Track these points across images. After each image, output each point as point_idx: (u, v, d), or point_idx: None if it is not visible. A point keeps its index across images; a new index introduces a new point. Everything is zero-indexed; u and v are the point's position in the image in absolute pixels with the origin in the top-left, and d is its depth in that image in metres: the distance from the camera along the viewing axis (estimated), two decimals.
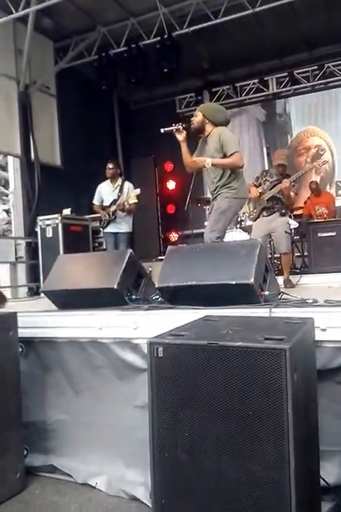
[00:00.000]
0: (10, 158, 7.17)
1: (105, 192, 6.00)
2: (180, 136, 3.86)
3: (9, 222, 12.21)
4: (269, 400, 1.43)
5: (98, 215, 6.13)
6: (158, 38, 6.80)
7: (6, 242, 6.91)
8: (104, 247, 6.54)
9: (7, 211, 15.51)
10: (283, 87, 8.80)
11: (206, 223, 5.02)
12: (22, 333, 2.53)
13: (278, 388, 1.42)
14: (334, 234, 5.75)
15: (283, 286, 4.34)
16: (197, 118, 3.91)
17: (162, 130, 3.86)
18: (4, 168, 14.49)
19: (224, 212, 3.82)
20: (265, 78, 8.82)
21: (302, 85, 8.67)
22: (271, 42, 7.75)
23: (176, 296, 2.70)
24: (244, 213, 6.05)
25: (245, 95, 9.07)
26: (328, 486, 1.95)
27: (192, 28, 6.65)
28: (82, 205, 6.74)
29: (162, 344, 1.64)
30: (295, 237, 6.41)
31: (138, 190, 5.74)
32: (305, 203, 7.17)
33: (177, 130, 3.84)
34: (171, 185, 9.34)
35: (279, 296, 2.78)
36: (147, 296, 3.05)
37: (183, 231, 8.54)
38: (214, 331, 1.77)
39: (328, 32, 7.35)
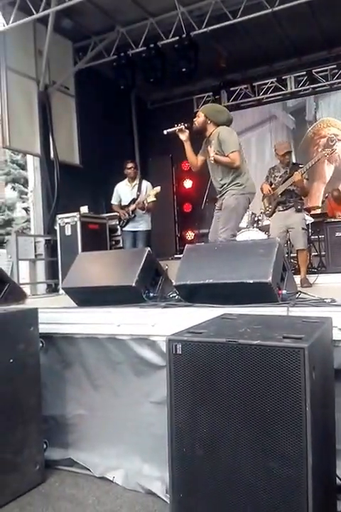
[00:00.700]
0: (29, 157, 7.30)
1: (123, 191, 6.05)
2: (183, 136, 3.94)
3: (28, 220, 12.41)
4: (287, 398, 1.44)
5: (116, 213, 6.19)
6: (177, 38, 6.80)
7: (25, 240, 7.02)
8: (121, 245, 6.61)
9: (26, 209, 15.78)
10: (301, 86, 8.70)
11: None
12: (42, 328, 2.58)
13: (296, 386, 1.43)
14: None
15: (299, 285, 4.32)
16: (199, 119, 3.99)
17: (165, 131, 3.96)
18: (24, 167, 14.76)
19: (234, 209, 3.87)
20: (283, 77, 8.74)
21: (320, 84, 8.57)
22: (289, 41, 7.70)
23: (193, 294, 2.72)
24: (260, 212, 6.03)
25: (263, 94, 9.02)
26: None
27: (210, 28, 6.63)
28: (100, 204, 6.82)
29: (180, 341, 1.66)
30: (312, 237, 6.36)
31: (158, 188, 5.80)
32: (322, 202, 7.08)
33: (180, 130, 3.92)
34: (188, 184, 9.35)
35: (297, 295, 2.77)
36: (164, 294, 3.07)
37: (199, 230, 8.53)
38: (233, 329, 1.78)
39: None
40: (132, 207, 5.88)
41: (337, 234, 5.76)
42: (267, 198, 5.04)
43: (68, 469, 2.63)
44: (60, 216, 6.34)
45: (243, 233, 6.13)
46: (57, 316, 2.85)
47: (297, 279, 3.98)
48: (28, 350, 2.44)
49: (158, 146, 8.91)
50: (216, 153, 3.87)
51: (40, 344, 2.61)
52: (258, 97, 9.06)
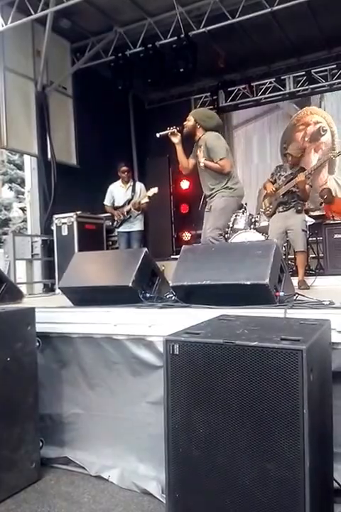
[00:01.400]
0: (26, 157, 7.28)
1: (117, 193, 6.15)
2: (176, 139, 4.03)
3: (25, 220, 12.37)
4: (285, 400, 1.44)
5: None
6: (175, 38, 6.79)
7: (22, 240, 7.00)
8: (117, 245, 6.62)
9: (23, 209, 15.73)
10: (300, 86, 8.71)
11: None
12: (39, 328, 2.58)
13: (294, 388, 1.43)
14: None
15: (297, 287, 4.32)
16: (189, 123, 4.09)
17: (157, 134, 4.05)
18: (21, 167, 14.72)
19: (223, 209, 3.97)
20: (282, 77, 8.74)
21: (319, 84, 8.57)
22: (288, 41, 7.68)
23: (190, 295, 2.71)
24: (260, 211, 6.04)
25: (261, 95, 9.02)
26: None
27: (208, 28, 6.62)
28: (97, 204, 6.79)
29: (178, 342, 1.65)
30: (310, 239, 6.36)
31: (155, 189, 5.88)
32: (320, 203, 7.09)
33: (172, 133, 4.01)
34: (185, 184, 9.34)
35: (294, 297, 2.77)
36: (161, 294, 3.07)
37: (196, 231, 8.51)
38: (230, 330, 1.78)
39: None
40: (127, 207, 5.94)
41: (336, 236, 5.75)
42: (268, 197, 5.04)
43: (64, 468, 2.63)
44: (56, 216, 6.33)
45: (240, 234, 6.13)
46: (54, 315, 2.85)
47: (295, 281, 3.99)
48: (25, 349, 2.44)
49: (156, 146, 8.86)
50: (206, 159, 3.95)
51: (37, 343, 2.61)
52: (256, 98, 9.05)
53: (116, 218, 6.07)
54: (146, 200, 5.91)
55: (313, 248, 6.54)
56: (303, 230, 4.85)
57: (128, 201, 6.03)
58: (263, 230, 5.72)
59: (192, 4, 6.64)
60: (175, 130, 3.98)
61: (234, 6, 6.40)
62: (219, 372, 1.57)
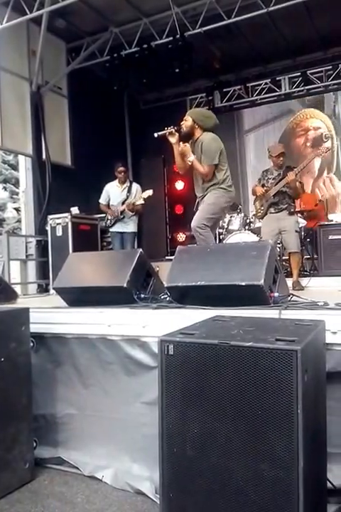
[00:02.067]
0: (21, 158, 7.25)
1: (114, 193, 6.13)
2: (173, 139, 4.05)
3: (19, 221, 12.33)
4: (279, 400, 1.44)
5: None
6: (170, 38, 6.79)
7: (16, 240, 6.96)
8: (111, 246, 6.62)
9: (17, 209, 15.67)
10: (295, 88, 8.73)
11: None
12: (33, 328, 2.58)
13: (288, 389, 1.43)
14: None
15: (292, 288, 4.33)
16: (187, 122, 4.11)
17: (155, 134, 4.07)
18: (15, 168, 14.65)
19: (212, 204, 4.04)
20: (277, 78, 8.77)
21: (315, 85, 8.59)
22: (284, 41, 7.68)
23: (185, 296, 2.71)
24: (252, 214, 6.06)
25: (257, 95, 9.04)
26: (334, 488, 1.95)
27: (204, 28, 6.62)
28: (92, 205, 6.77)
29: (173, 342, 1.65)
30: (305, 240, 6.38)
31: (150, 192, 5.88)
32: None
33: (170, 133, 4.03)
34: (180, 185, 9.35)
35: (289, 298, 2.78)
36: (155, 295, 3.07)
37: (191, 232, 8.52)
38: (225, 331, 1.78)
39: None
40: (122, 207, 5.94)
41: (331, 237, 5.78)
42: (259, 199, 5.06)
43: (57, 468, 2.63)
44: (51, 217, 6.30)
45: (235, 235, 6.15)
46: (49, 315, 2.85)
47: (289, 282, 4.00)
48: (19, 349, 2.44)
49: (151, 147, 8.86)
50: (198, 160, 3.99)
51: (31, 344, 2.61)
52: (251, 98, 9.08)
53: (109, 217, 6.06)
54: (141, 201, 5.90)
55: (308, 250, 6.56)
56: (296, 231, 4.89)
57: (124, 201, 6.02)
58: (258, 231, 5.74)
59: (188, 4, 6.64)
60: (173, 130, 4.01)
61: (230, 6, 6.41)
62: (214, 373, 1.57)
